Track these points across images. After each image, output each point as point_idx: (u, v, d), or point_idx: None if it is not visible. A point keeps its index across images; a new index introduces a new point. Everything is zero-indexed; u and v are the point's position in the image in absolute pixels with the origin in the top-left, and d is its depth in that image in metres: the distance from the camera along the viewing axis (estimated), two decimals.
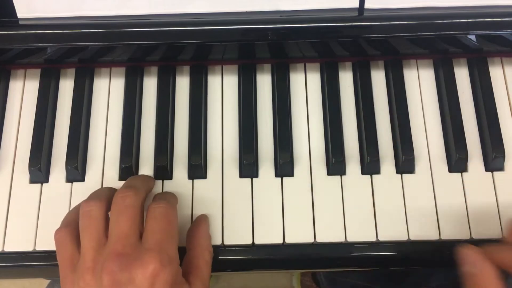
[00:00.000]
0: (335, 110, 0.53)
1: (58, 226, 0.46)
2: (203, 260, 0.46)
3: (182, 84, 0.55)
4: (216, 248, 0.49)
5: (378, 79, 0.55)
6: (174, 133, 0.53)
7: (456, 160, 0.50)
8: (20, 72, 0.56)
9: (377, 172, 0.51)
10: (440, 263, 0.52)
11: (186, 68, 0.56)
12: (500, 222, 0.49)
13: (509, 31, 0.49)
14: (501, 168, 0.51)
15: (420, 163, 0.52)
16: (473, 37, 0.52)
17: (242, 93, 0.54)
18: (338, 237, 0.49)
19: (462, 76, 0.55)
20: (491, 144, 0.51)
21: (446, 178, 0.51)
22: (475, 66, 0.55)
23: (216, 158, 0.52)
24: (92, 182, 0.52)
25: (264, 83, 0.55)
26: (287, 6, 0.49)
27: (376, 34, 0.50)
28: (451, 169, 0.51)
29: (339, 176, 0.51)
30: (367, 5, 0.49)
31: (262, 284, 1.28)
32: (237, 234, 0.50)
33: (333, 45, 0.53)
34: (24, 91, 0.55)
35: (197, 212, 0.50)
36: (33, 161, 0.51)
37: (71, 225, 0.45)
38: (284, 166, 0.51)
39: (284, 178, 0.51)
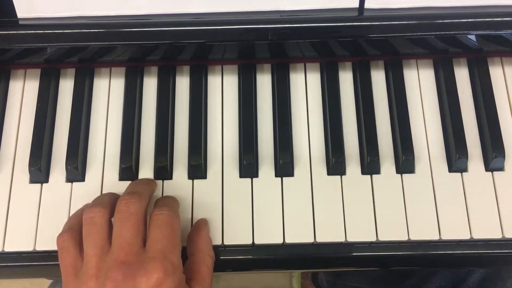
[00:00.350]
0: (335, 110, 0.53)
1: (58, 226, 0.47)
2: (204, 266, 0.46)
3: (182, 84, 0.55)
4: (216, 248, 0.49)
5: (378, 79, 0.55)
6: (174, 133, 0.53)
7: (456, 160, 0.50)
8: (20, 72, 0.56)
9: (377, 172, 0.51)
10: (440, 263, 0.52)
11: (186, 68, 0.56)
12: (500, 222, 0.49)
13: (509, 31, 0.49)
14: (501, 168, 0.51)
15: (420, 163, 0.52)
16: (473, 37, 0.52)
17: (242, 93, 0.54)
18: (338, 237, 0.49)
19: (462, 76, 0.55)
20: (491, 144, 0.51)
21: (446, 178, 0.51)
22: (475, 66, 0.55)
23: (216, 158, 0.52)
24: (92, 182, 0.52)
25: (264, 83, 0.55)
26: (287, 6, 0.49)
27: (376, 34, 0.50)
28: (451, 169, 0.51)
29: (339, 176, 0.51)
30: (367, 5, 0.49)
31: (262, 284, 1.28)
32: (237, 234, 0.49)
33: (333, 45, 0.53)
34: (24, 91, 0.55)
35: (197, 212, 0.50)
36: (33, 161, 0.51)
37: (74, 230, 0.45)
38: (284, 166, 0.51)
39: (284, 178, 0.51)
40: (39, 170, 0.51)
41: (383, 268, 0.54)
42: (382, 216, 0.50)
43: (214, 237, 0.49)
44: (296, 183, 0.51)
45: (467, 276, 0.68)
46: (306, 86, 0.55)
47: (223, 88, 0.55)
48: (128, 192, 0.46)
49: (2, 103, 0.54)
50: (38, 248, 0.49)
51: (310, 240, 0.49)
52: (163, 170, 0.51)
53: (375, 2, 0.49)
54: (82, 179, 0.52)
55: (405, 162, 0.51)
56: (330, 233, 0.49)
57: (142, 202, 0.44)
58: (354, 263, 0.52)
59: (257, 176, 0.51)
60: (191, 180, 0.51)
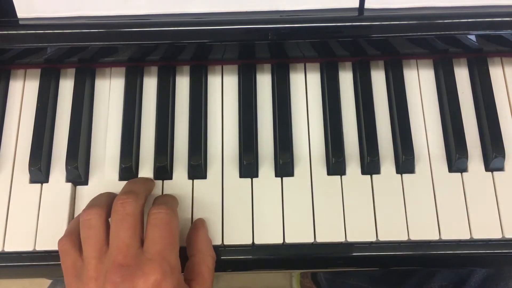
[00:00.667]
0: (335, 110, 0.53)
1: (58, 226, 0.47)
2: (205, 266, 0.46)
3: (182, 84, 0.55)
4: (216, 248, 0.49)
5: (378, 79, 0.55)
6: (174, 133, 0.53)
7: (456, 160, 0.50)
8: (20, 72, 0.56)
9: (377, 172, 0.51)
10: (440, 263, 0.52)
11: (186, 68, 0.56)
12: (500, 222, 0.49)
13: (509, 31, 0.49)
14: (501, 168, 0.51)
15: (420, 163, 0.52)
16: (473, 37, 0.52)
17: (242, 93, 0.54)
18: (338, 237, 0.49)
19: (462, 76, 0.55)
20: (491, 144, 0.51)
21: (446, 178, 0.51)
22: (475, 66, 0.55)
23: (216, 158, 0.52)
24: (92, 182, 0.52)
25: (264, 83, 0.55)
26: (287, 6, 0.49)
27: (376, 34, 0.50)
28: (451, 169, 0.51)
29: (339, 176, 0.51)
30: (367, 5, 0.49)
31: (262, 284, 1.28)
32: (237, 234, 0.49)
33: (333, 45, 0.53)
34: (24, 91, 0.55)
35: (197, 212, 0.50)
36: (33, 161, 0.51)
37: (73, 233, 0.45)
38: (284, 166, 0.51)
39: (284, 178, 0.51)
40: (39, 170, 0.51)
41: (383, 268, 0.54)
42: (382, 216, 0.50)
43: (214, 237, 0.49)
44: (296, 183, 0.51)
45: (468, 276, 0.67)
46: (306, 86, 0.55)
47: (223, 88, 0.55)
48: (124, 191, 0.46)
49: (2, 103, 0.54)
50: (38, 248, 0.49)
51: (310, 240, 0.49)
52: (163, 170, 0.51)
53: (375, 2, 0.49)
54: (82, 179, 0.52)
55: (405, 162, 0.51)
56: (330, 233, 0.49)
57: (139, 201, 0.44)
58: (354, 263, 0.52)
59: (257, 176, 0.51)
60: (191, 180, 0.51)
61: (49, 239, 0.49)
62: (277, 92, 0.54)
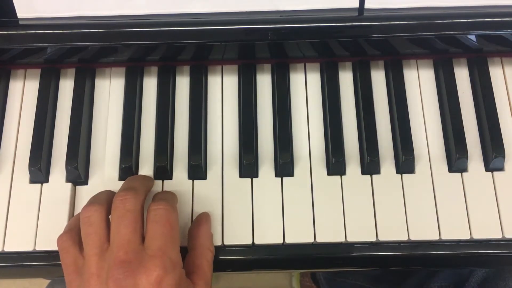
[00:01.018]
0: (335, 110, 0.53)
1: (58, 226, 0.47)
2: (205, 260, 0.46)
3: (182, 84, 0.55)
4: (216, 248, 0.49)
5: (378, 79, 0.55)
6: (174, 133, 0.53)
7: (456, 160, 0.50)
8: (20, 72, 0.56)
9: (377, 172, 0.51)
10: (440, 263, 0.52)
11: (186, 68, 0.56)
12: (500, 222, 0.49)
13: (509, 31, 0.49)
14: (501, 168, 0.51)
15: (420, 163, 0.52)
16: (473, 37, 0.52)
17: (242, 93, 0.54)
18: (338, 237, 0.49)
19: (462, 76, 0.55)
20: (491, 144, 0.51)
21: (446, 178, 0.51)
22: (475, 66, 0.55)
23: (216, 158, 0.52)
24: (92, 182, 0.52)
25: (264, 83, 0.55)
26: (287, 6, 0.49)
27: (376, 34, 0.50)
28: (451, 169, 0.51)
29: (339, 176, 0.51)
30: (367, 5, 0.49)
31: (262, 284, 1.28)
32: (237, 234, 0.50)
33: (333, 45, 0.53)
34: (24, 91, 0.55)
35: (197, 211, 0.50)
36: (33, 161, 0.51)
37: (73, 230, 0.45)
38: (284, 166, 0.51)
39: (284, 178, 0.51)
40: (39, 170, 0.51)
41: (383, 268, 0.54)
42: (382, 216, 0.50)
43: (214, 237, 0.49)
44: (296, 183, 0.51)
45: (469, 276, 0.68)
46: (306, 86, 0.55)
47: (223, 88, 0.55)
48: (124, 188, 0.46)
49: (2, 103, 0.54)
50: (38, 248, 0.49)
51: (310, 240, 0.49)
52: (163, 170, 0.51)
53: (375, 2, 0.49)
54: (82, 179, 0.52)
55: (405, 162, 0.51)
56: (330, 233, 0.49)
57: (138, 197, 0.44)
58: (354, 263, 0.52)
59: (257, 176, 0.51)
60: (191, 180, 0.51)
61: (49, 239, 0.49)
62: (277, 92, 0.54)
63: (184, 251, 0.47)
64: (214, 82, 0.55)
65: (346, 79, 0.55)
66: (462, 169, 0.51)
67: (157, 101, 0.54)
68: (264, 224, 0.50)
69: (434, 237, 0.49)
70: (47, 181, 0.52)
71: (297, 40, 0.51)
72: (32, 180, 0.52)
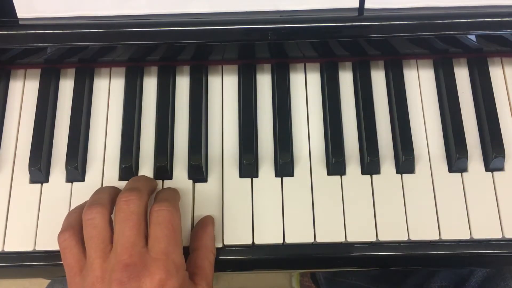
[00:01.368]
0: (335, 110, 0.53)
1: (58, 226, 0.46)
2: (207, 261, 0.46)
3: (182, 84, 0.55)
4: (216, 248, 0.49)
5: (378, 79, 0.55)
6: (174, 133, 0.53)
7: (456, 160, 0.50)
8: (20, 72, 0.56)
9: (377, 172, 0.51)
10: (440, 263, 0.52)
11: (186, 68, 0.56)
12: (500, 222, 0.49)
13: (509, 31, 0.49)
14: (501, 168, 0.51)
15: (420, 163, 0.52)
16: (473, 37, 0.52)
17: (242, 93, 0.54)
18: (338, 237, 0.49)
19: (462, 76, 0.55)
20: (491, 144, 0.51)
21: (446, 178, 0.51)
22: (475, 66, 0.55)
23: (216, 158, 0.52)
24: (92, 182, 0.52)
25: (264, 83, 0.55)
26: (287, 6, 0.49)
27: (376, 34, 0.50)
28: (451, 169, 0.51)
29: (339, 176, 0.51)
30: (367, 5, 0.49)
31: (262, 284, 1.28)
32: (237, 234, 0.50)
33: (333, 45, 0.53)
34: (24, 91, 0.55)
35: (198, 212, 0.50)
36: (33, 161, 0.51)
37: (75, 228, 0.45)
38: (284, 166, 0.51)
39: (284, 178, 0.51)
40: (39, 170, 0.51)
41: (383, 268, 0.54)
42: (382, 216, 0.50)
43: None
44: (296, 183, 0.51)
45: (469, 276, 0.68)
46: (306, 86, 0.55)
47: (223, 88, 0.55)
48: (128, 188, 0.46)
49: (2, 103, 0.54)
50: (38, 248, 0.49)
51: (310, 240, 0.49)
52: (163, 170, 0.51)
53: (375, 2, 0.49)
54: (82, 179, 0.52)
55: (405, 162, 0.51)
56: (330, 233, 0.49)
57: (142, 199, 0.44)
58: (354, 263, 0.52)
59: (257, 176, 0.51)
60: (191, 180, 0.51)
61: (49, 239, 0.49)
62: (277, 92, 0.54)
63: (185, 251, 0.47)
64: (214, 82, 0.55)
65: (346, 79, 0.55)
66: (462, 169, 0.51)
67: (157, 101, 0.54)
68: (264, 224, 0.50)
69: (434, 237, 0.49)
70: (47, 181, 0.52)
71: (297, 40, 0.51)
72: (32, 180, 0.52)
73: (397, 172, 0.51)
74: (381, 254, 0.50)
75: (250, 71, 0.55)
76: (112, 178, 0.52)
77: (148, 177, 0.50)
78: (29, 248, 0.49)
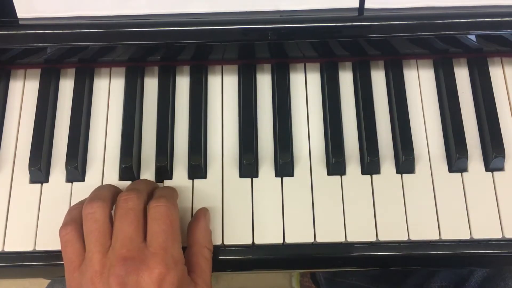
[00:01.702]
0: (335, 110, 0.53)
1: (58, 226, 0.46)
2: (202, 257, 0.46)
3: (182, 84, 0.55)
4: (216, 248, 0.49)
5: (378, 79, 0.55)
6: (174, 133, 0.53)
7: (456, 160, 0.50)
8: (20, 72, 0.56)
9: (377, 172, 0.51)
10: (440, 263, 0.52)
11: (186, 68, 0.56)
12: (500, 222, 0.49)
13: (509, 31, 0.49)
14: (501, 168, 0.51)
15: (420, 163, 0.52)
16: (473, 37, 0.52)
17: (242, 93, 0.54)
18: (338, 237, 0.49)
19: (462, 76, 0.55)
20: (491, 144, 0.51)
21: (446, 178, 0.51)
22: (475, 66, 0.55)
23: (216, 158, 0.52)
24: (92, 182, 0.52)
25: (264, 83, 0.55)
26: (287, 6, 0.49)
27: (376, 34, 0.50)
28: (451, 169, 0.51)
29: (339, 176, 0.51)
30: (367, 5, 0.49)
31: (262, 284, 1.28)
32: (237, 234, 0.49)
33: (333, 45, 0.53)
34: (24, 91, 0.55)
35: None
36: (33, 161, 0.51)
37: (76, 222, 0.45)
38: (284, 166, 0.51)
39: (284, 178, 0.51)
40: (39, 170, 0.51)
41: (383, 268, 0.54)
42: (382, 216, 0.50)
43: (214, 237, 0.49)
44: (296, 183, 0.51)
45: (469, 276, 0.68)
46: (306, 86, 0.55)
47: (223, 88, 0.55)
48: (127, 189, 0.46)
49: (2, 103, 0.54)
50: (38, 248, 0.49)
51: (310, 240, 0.49)
52: (163, 170, 0.51)
53: (375, 2, 0.49)
54: (82, 179, 0.52)
55: (405, 162, 0.51)
56: (330, 233, 0.49)
57: (141, 197, 0.44)
58: (354, 263, 0.52)
59: (257, 176, 0.51)
60: (191, 180, 0.51)
61: (49, 239, 0.49)
62: (277, 92, 0.54)
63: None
64: (214, 82, 0.55)
65: (346, 79, 0.55)
66: (462, 169, 0.51)
67: (157, 101, 0.54)
68: (264, 224, 0.50)
69: (434, 237, 0.49)
70: (47, 181, 0.52)
71: (297, 40, 0.51)
72: (32, 180, 0.52)
73: (397, 172, 0.51)
74: (381, 254, 0.50)
75: (250, 71, 0.55)
76: (112, 178, 0.52)
77: (149, 180, 0.51)
78: (29, 248, 0.49)
